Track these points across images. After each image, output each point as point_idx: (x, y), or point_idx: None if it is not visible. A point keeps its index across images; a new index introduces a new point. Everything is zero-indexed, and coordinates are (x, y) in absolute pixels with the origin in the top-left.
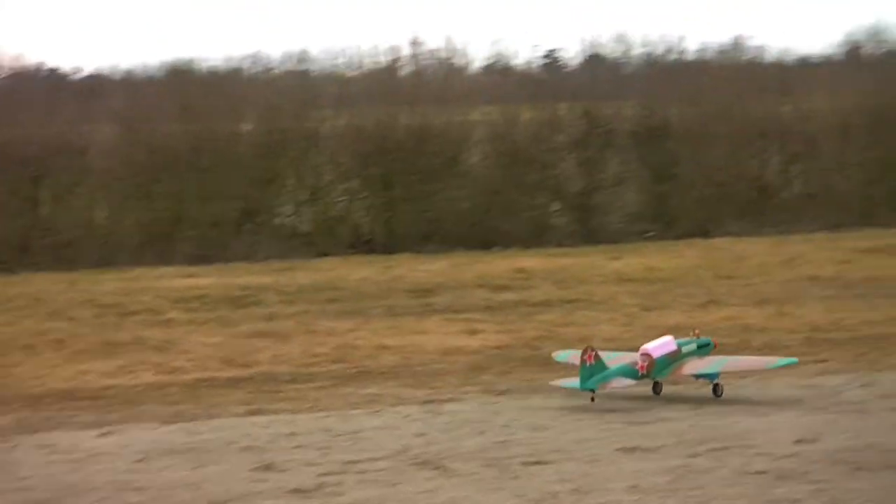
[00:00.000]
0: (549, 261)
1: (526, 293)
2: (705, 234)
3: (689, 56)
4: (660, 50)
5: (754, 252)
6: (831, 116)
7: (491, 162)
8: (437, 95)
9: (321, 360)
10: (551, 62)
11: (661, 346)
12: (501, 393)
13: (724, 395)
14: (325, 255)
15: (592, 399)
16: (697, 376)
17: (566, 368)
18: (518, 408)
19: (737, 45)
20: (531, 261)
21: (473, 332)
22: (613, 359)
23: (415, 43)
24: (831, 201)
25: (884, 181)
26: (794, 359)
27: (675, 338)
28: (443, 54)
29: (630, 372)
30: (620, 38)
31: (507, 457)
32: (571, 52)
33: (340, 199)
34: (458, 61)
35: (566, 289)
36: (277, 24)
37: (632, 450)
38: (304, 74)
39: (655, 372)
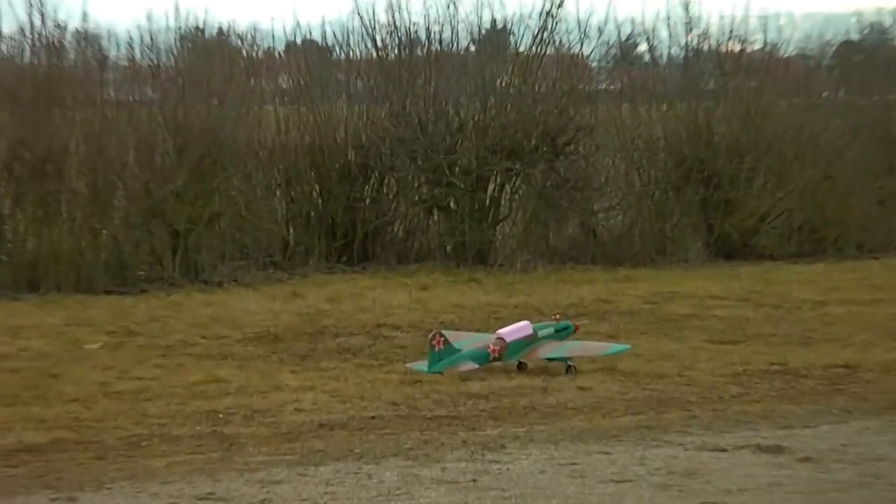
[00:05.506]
0: None
1: None
2: None
3: None
4: None
5: None
6: None
7: None
8: None
9: None
10: None
11: (516, 330)
12: None
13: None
14: None
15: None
16: (549, 359)
17: None
18: None
19: None
20: None
21: None
22: (468, 343)
23: None
24: None
25: None
26: (628, 345)
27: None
28: None
29: (480, 356)
30: None
31: None
32: None
33: None
34: None
35: None
36: None
37: None
38: None
39: (507, 355)
